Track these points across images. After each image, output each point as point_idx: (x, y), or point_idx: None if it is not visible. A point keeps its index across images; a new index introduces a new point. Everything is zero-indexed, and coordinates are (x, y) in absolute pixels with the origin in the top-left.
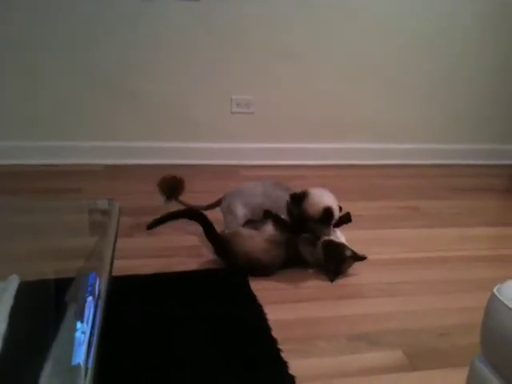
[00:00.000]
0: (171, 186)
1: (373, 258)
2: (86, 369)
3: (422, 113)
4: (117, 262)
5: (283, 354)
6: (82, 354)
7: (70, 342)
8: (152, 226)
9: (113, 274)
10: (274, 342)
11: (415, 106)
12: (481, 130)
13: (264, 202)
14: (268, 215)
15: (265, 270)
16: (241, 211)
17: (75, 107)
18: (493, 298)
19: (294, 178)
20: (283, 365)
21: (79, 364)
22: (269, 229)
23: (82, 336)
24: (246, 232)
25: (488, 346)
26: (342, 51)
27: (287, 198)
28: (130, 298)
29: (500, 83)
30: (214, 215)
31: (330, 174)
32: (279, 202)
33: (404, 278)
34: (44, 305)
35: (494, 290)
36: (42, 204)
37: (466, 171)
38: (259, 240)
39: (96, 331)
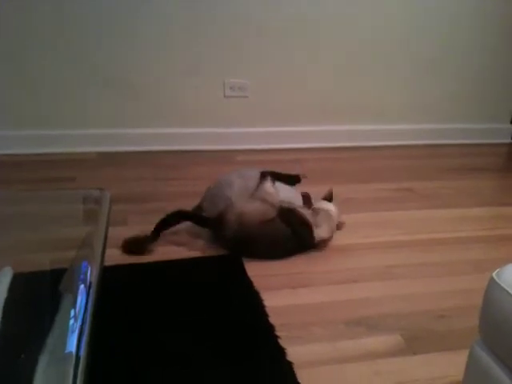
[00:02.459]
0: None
1: (369, 242)
2: (78, 357)
3: (414, 93)
4: (111, 251)
5: (280, 341)
6: (73, 342)
7: (65, 332)
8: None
9: (107, 263)
10: (271, 328)
11: (407, 87)
12: (474, 109)
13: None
14: (264, 175)
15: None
16: (232, 194)
17: (65, 95)
18: (492, 283)
19: (289, 162)
20: (281, 351)
21: (71, 352)
22: (267, 186)
23: (74, 324)
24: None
25: (487, 331)
26: (338, 33)
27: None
28: (124, 287)
29: (492, 62)
30: None
31: (325, 157)
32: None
33: (401, 261)
34: (39, 296)
35: (494, 275)
36: (36, 194)
37: (459, 151)
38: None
39: (88, 319)
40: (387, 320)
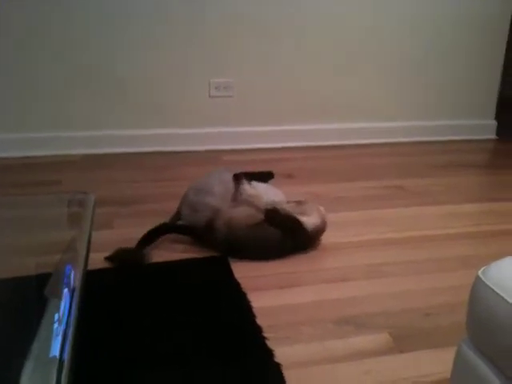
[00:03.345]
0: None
1: (357, 240)
2: (62, 361)
3: (401, 91)
4: (96, 255)
5: (268, 342)
6: (57, 346)
7: (50, 337)
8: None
9: (92, 267)
10: (258, 329)
11: (394, 85)
12: (460, 106)
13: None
14: (238, 177)
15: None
16: (214, 200)
17: (49, 97)
18: (478, 282)
19: (277, 161)
20: (269, 352)
21: (55, 356)
22: (247, 188)
23: (58, 328)
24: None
25: (474, 330)
26: (324, 32)
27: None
28: (109, 290)
29: (477, 60)
30: None
31: (313, 156)
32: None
33: (390, 259)
34: (24, 301)
35: (479, 273)
36: (20, 199)
37: (446, 147)
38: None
39: (72, 323)
40: (376, 318)
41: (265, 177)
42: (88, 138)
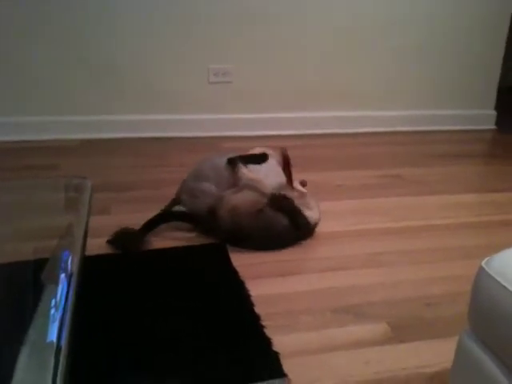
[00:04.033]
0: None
1: (356, 229)
2: (59, 346)
3: (400, 79)
4: (94, 241)
5: (266, 330)
6: (54, 331)
7: (46, 324)
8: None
9: (90, 253)
10: (256, 318)
11: (392, 73)
12: (459, 95)
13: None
14: (233, 161)
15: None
16: (210, 186)
17: (47, 81)
18: (481, 272)
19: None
20: (267, 341)
21: (52, 341)
22: (245, 172)
23: (55, 314)
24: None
25: (477, 321)
26: (324, 17)
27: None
28: (108, 276)
29: (477, 48)
30: None
31: (311, 144)
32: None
33: (388, 248)
34: (21, 287)
35: (483, 264)
36: (16, 183)
37: (444, 137)
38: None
39: (69, 308)
40: (374, 308)
41: (259, 159)
42: (86, 122)
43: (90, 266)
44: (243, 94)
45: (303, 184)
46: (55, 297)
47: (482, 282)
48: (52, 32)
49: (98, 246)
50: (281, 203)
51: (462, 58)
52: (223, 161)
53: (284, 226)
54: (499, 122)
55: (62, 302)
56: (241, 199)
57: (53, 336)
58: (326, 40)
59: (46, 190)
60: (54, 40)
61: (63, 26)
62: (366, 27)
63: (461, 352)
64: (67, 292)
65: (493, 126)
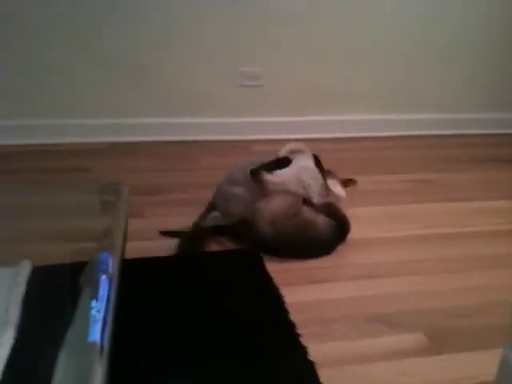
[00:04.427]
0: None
1: (386, 236)
2: (102, 347)
3: (427, 82)
4: (129, 244)
5: (302, 339)
6: (97, 331)
7: (85, 326)
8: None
9: (126, 256)
10: (292, 326)
11: (420, 76)
12: (488, 98)
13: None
14: (255, 172)
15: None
16: (242, 192)
17: (76, 83)
18: None
19: None
20: (303, 350)
21: (95, 342)
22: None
23: (97, 314)
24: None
25: None
26: (352, 18)
27: None
28: (144, 280)
29: (506, 50)
30: None
31: (340, 148)
32: None
33: (419, 256)
34: (58, 290)
35: None
36: (52, 186)
37: (475, 141)
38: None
39: (111, 309)
40: (408, 317)
41: (281, 164)
42: (115, 125)
43: (127, 268)
44: (275, 96)
45: (345, 183)
46: (96, 298)
47: None
48: (77, 33)
49: (134, 248)
50: (328, 209)
51: (492, 60)
52: (252, 165)
53: (327, 232)
54: None
55: (104, 304)
56: (276, 208)
57: (95, 336)
58: (353, 43)
59: (81, 193)
60: (79, 42)
61: (87, 26)
62: (391, 28)
63: (505, 366)
64: (109, 294)
65: None
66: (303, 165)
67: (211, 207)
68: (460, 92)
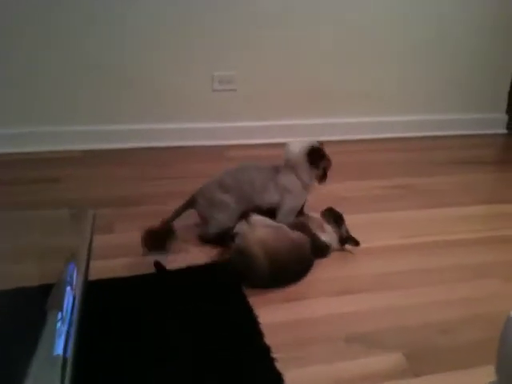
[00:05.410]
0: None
1: (363, 247)
2: (65, 359)
3: (407, 84)
4: (97, 263)
5: (277, 364)
6: (61, 345)
7: (50, 357)
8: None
9: (95, 277)
10: (267, 350)
11: (399, 77)
12: (468, 99)
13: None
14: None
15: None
16: (230, 200)
17: (48, 91)
18: (510, 323)
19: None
20: (278, 376)
21: (59, 355)
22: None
23: (61, 327)
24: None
25: (507, 373)
26: (330, 21)
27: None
28: (115, 301)
29: (488, 50)
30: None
31: None
32: (256, 183)
33: (399, 268)
34: (23, 314)
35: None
36: (20, 213)
37: (453, 143)
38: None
39: (74, 322)
40: (388, 335)
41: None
42: (88, 132)
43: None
44: (249, 101)
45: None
46: (61, 310)
47: (510, 334)
48: (53, 40)
49: (102, 267)
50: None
51: (473, 60)
52: (246, 174)
53: (306, 242)
54: (511, 125)
55: (68, 315)
56: (264, 232)
57: (59, 350)
58: (331, 46)
59: (49, 224)
60: (55, 48)
61: (64, 34)
62: (376, 30)
63: None
64: (72, 306)
65: (504, 130)
66: None
67: (189, 204)
68: (437, 94)
